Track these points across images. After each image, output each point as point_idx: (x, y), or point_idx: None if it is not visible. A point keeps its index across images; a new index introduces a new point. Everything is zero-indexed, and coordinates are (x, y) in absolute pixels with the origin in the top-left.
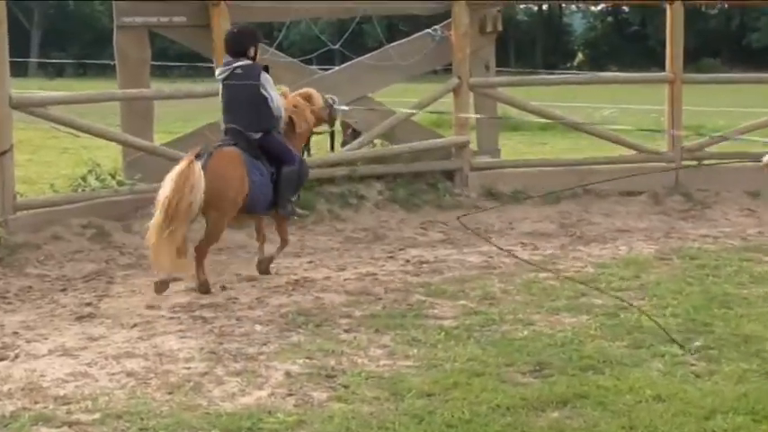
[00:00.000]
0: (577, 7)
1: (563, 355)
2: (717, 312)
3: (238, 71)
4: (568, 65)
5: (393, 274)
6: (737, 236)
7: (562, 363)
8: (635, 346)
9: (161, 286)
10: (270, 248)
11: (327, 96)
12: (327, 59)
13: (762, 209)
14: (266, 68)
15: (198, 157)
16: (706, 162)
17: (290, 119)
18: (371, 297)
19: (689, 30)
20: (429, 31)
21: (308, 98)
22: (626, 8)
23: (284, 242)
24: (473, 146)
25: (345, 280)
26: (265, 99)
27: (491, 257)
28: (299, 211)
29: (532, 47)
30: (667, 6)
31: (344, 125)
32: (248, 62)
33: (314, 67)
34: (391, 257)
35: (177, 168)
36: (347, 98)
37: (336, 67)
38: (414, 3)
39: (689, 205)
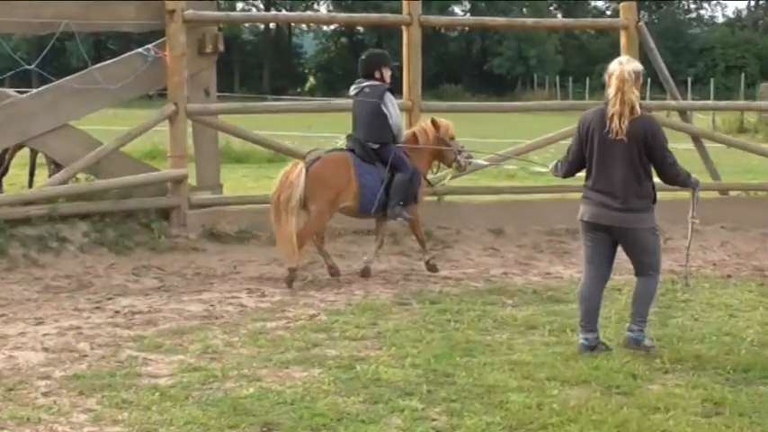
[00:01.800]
0: (308, 26)
1: (293, 413)
2: (459, 361)
3: (366, 90)
4: (299, 90)
5: (100, 328)
6: (481, 277)
7: (292, 422)
8: (372, 401)
9: (289, 278)
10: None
11: (464, 150)
12: (23, 80)
13: (505, 247)
14: (391, 90)
15: (309, 159)
16: (446, 197)
17: (414, 135)
18: (75, 354)
19: (428, 54)
20: (141, 50)
21: (435, 125)
22: (361, 28)
23: (381, 242)
24: (192, 181)
25: (44, 335)
26: (385, 115)
27: (213, 305)
28: (405, 214)
29: (259, 70)
30: (403, 28)
31: (48, 158)
32: (375, 83)
33: (7, 89)
34: (98, 308)
35: (285, 169)
36: (45, 126)
37: (33, 91)
38: (123, 18)
39: (429, 245)
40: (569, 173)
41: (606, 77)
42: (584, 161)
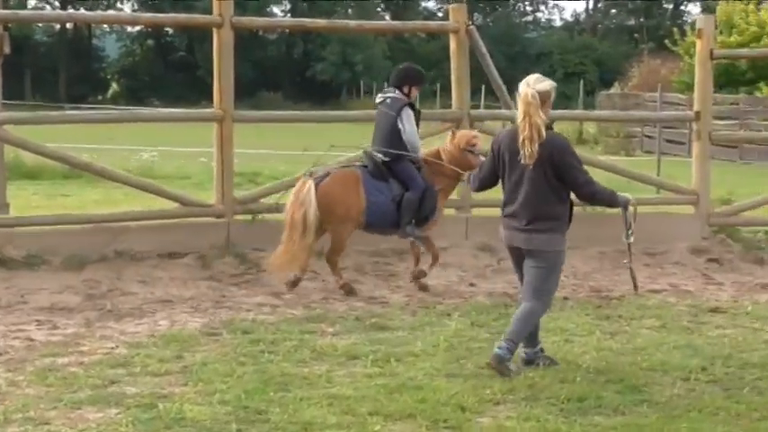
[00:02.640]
0: (110, 27)
1: None
2: (273, 396)
3: (388, 101)
4: (100, 98)
5: None
6: (299, 303)
7: None
8: None
9: (292, 285)
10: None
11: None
12: None
13: (326, 270)
14: (411, 105)
15: (318, 176)
16: (261, 216)
17: (438, 152)
18: None
19: (244, 59)
20: None
21: (453, 136)
22: (170, 30)
23: (435, 258)
24: None
25: None
26: (399, 130)
27: None
28: (417, 233)
29: (54, 75)
30: (214, 30)
31: None
32: (398, 95)
33: None
34: None
35: (295, 187)
36: None
37: None
38: None
39: (243, 268)
40: (479, 188)
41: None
42: (497, 179)
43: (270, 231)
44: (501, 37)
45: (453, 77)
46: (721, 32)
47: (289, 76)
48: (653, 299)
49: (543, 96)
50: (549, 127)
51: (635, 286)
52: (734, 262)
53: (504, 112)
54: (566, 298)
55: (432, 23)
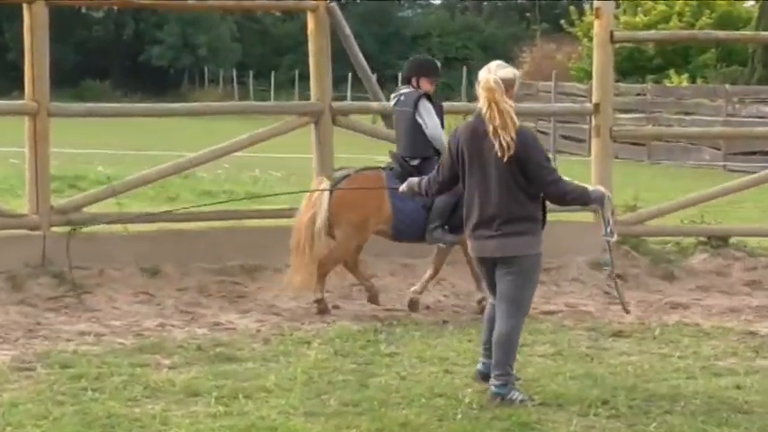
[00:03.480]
0: None
1: None
2: None
3: (402, 98)
4: None
5: None
6: (129, 332)
7: None
8: None
9: (320, 309)
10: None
11: None
12: None
13: (163, 291)
14: (427, 96)
15: (337, 177)
16: (84, 228)
17: None
18: None
19: (64, 41)
20: None
21: None
22: None
23: (436, 271)
24: None
25: None
26: (419, 126)
27: None
28: (448, 238)
29: None
30: (24, 6)
31: None
32: (410, 89)
33: None
34: None
35: (311, 188)
36: None
37: None
38: None
39: (62, 290)
40: (439, 192)
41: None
42: (458, 180)
43: (95, 245)
44: (370, 15)
45: (312, 63)
46: (625, 11)
47: (118, 61)
48: (546, 322)
49: (506, 84)
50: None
51: (623, 306)
52: (640, 278)
53: (373, 104)
54: (445, 321)
55: (287, 0)
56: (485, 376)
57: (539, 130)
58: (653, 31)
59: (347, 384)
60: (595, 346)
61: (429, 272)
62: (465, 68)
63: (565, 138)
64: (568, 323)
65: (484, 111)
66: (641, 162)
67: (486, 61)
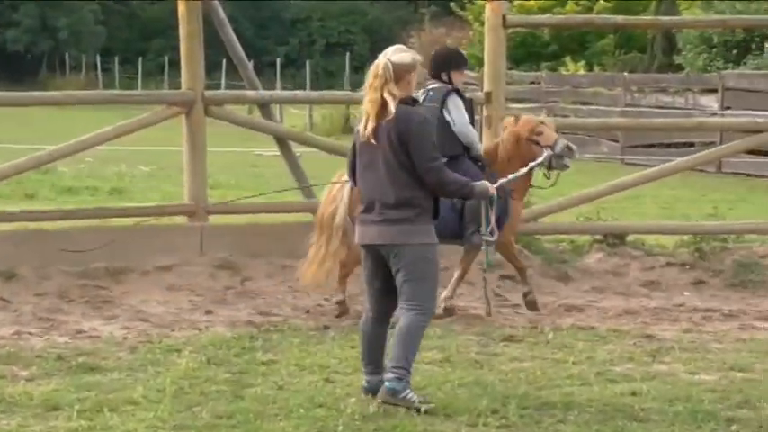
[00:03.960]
0: None
1: None
2: None
3: (430, 93)
4: None
5: None
6: None
7: None
8: None
9: (340, 312)
10: None
11: (563, 143)
12: None
13: (19, 297)
14: (457, 91)
15: None
16: None
17: (496, 145)
18: None
19: None
20: None
21: (532, 130)
22: None
23: (463, 273)
24: None
25: None
26: (448, 123)
27: None
28: (488, 239)
29: None
30: None
31: None
32: (439, 84)
33: None
34: None
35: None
36: None
37: None
38: None
39: None
40: (356, 182)
41: None
42: None
43: None
44: None
45: (183, 49)
46: None
47: None
48: (434, 326)
49: (399, 70)
50: (410, 103)
51: (488, 308)
52: (533, 278)
53: (249, 93)
54: (326, 327)
55: None
56: (372, 392)
57: None
58: (548, 16)
59: (220, 395)
60: (485, 352)
61: (457, 273)
62: (348, 55)
63: None
64: (457, 327)
65: (365, 94)
66: None
67: (371, 47)
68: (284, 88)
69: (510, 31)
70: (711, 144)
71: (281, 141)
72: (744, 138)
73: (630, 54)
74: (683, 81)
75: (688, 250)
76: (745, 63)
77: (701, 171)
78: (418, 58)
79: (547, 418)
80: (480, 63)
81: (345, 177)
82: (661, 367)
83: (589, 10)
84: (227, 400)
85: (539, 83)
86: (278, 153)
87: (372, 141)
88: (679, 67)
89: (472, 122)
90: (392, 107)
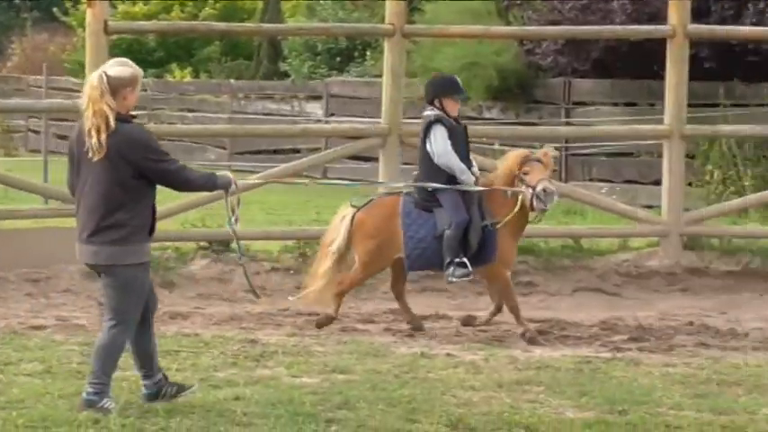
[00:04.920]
0: None
1: None
2: None
3: (422, 120)
4: None
5: None
6: None
7: None
8: None
9: (323, 321)
10: None
11: (542, 186)
12: None
13: None
14: (441, 120)
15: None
16: None
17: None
18: None
19: None
20: None
21: (521, 166)
22: None
23: (498, 308)
24: None
25: None
26: (428, 154)
27: None
28: (458, 272)
29: None
30: None
31: None
32: (428, 113)
33: None
34: None
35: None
36: None
37: None
38: None
39: None
40: (74, 193)
41: None
42: None
43: None
44: None
45: None
46: (124, 0)
47: None
48: (34, 337)
49: (117, 83)
50: (128, 119)
51: (253, 292)
52: None
53: None
54: None
55: None
56: (152, 397)
57: (30, 129)
58: (153, 22)
59: None
60: (88, 362)
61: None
62: None
63: (61, 137)
64: (59, 338)
65: (84, 109)
66: None
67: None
68: None
69: (115, 37)
70: (317, 150)
71: None
72: (347, 144)
73: (237, 61)
74: (289, 88)
75: (292, 255)
76: (348, 71)
77: (308, 176)
78: (138, 72)
79: (149, 426)
80: (83, 69)
81: (347, 212)
82: (264, 371)
83: (195, 17)
84: None
85: (145, 90)
86: None
87: (94, 156)
88: (285, 75)
89: (467, 151)
90: (111, 121)
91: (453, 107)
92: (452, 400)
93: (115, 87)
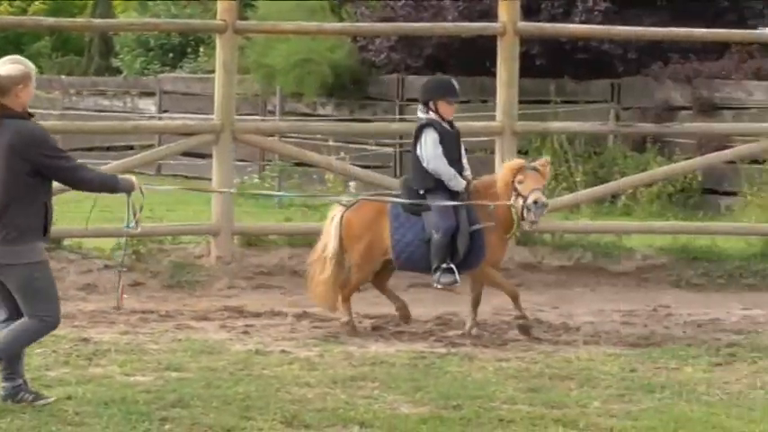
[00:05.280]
0: None
1: None
2: None
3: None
4: None
5: None
6: None
7: None
8: None
9: (349, 331)
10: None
11: (532, 198)
12: None
13: None
14: (432, 124)
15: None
16: None
17: (493, 181)
18: None
19: None
20: None
21: (515, 175)
22: None
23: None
24: None
25: None
26: (419, 158)
27: None
28: (444, 279)
29: None
30: None
31: None
32: (421, 115)
33: None
34: None
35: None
36: None
37: None
38: None
39: None
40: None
41: None
42: None
43: None
44: None
45: None
46: None
47: None
48: None
49: (6, 82)
50: (24, 116)
51: (118, 300)
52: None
53: None
54: None
55: None
56: (6, 398)
57: None
58: None
59: None
60: None
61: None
62: None
63: None
64: None
65: None
66: None
67: None
68: None
69: None
70: (150, 147)
71: None
72: (179, 141)
73: (68, 57)
74: (122, 84)
75: (125, 253)
76: (181, 67)
77: (141, 173)
78: (30, 69)
79: None
80: None
81: (338, 212)
82: (97, 370)
83: (24, 11)
84: None
85: None
86: None
87: None
88: (117, 71)
89: (459, 154)
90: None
91: (447, 110)
92: (287, 397)
93: (6, 86)
